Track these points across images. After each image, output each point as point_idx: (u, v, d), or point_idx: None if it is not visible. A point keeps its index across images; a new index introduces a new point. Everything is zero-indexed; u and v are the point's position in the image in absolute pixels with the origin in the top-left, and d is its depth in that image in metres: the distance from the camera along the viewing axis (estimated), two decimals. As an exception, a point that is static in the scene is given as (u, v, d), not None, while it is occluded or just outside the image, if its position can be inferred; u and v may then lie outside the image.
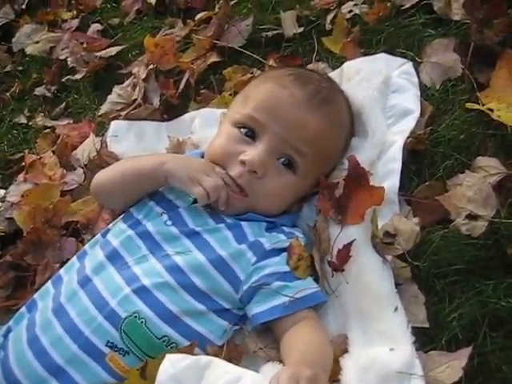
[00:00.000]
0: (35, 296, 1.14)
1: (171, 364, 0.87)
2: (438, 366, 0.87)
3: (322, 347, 0.94)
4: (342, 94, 1.18)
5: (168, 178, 1.09)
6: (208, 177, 1.05)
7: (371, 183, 1.06)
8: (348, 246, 1.01)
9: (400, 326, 0.92)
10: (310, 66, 1.33)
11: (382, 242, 1.00)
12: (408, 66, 1.24)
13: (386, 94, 1.20)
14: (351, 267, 1.00)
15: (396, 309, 0.93)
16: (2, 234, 1.37)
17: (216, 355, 0.94)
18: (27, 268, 1.29)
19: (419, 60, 1.24)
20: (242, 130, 1.09)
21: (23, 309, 1.14)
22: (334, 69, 1.32)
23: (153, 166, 1.12)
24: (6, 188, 1.52)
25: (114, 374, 0.98)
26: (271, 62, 1.39)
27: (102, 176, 1.22)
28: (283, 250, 1.05)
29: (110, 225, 1.17)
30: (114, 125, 1.46)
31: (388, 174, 1.09)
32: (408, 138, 1.11)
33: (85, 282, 1.05)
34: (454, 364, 0.86)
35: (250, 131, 1.08)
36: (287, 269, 1.02)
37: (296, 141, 1.06)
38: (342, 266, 1.00)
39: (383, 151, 1.12)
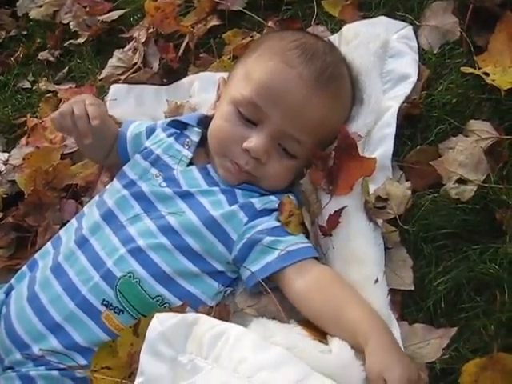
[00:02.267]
0: (36, 256, 1.17)
1: (160, 322, 0.89)
2: (420, 341, 0.88)
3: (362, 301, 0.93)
4: (345, 64, 1.15)
5: None
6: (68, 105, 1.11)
7: (365, 149, 1.07)
8: (338, 212, 1.01)
9: (379, 298, 0.93)
10: (309, 30, 1.32)
11: (374, 207, 1.01)
12: (407, 30, 1.22)
13: (383, 59, 1.19)
14: (339, 232, 1.01)
15: (376, 280, 0.94)
16: (5, 195, 1.40)
17: (207, 315, 0.96)
18: (28, 229, 1.33)
19: (418, 23, 1.22)
20: (242, 113, 1.07)
21: (24, 268, 1.18)
22: (332, 32, 1.31)
23: None
24: (9, 152, 1.55)
25: (109, 332, 1.01)
26: (270, 25, 1.37)
27: None
28: (274, 210, 1.06)
29: (108, 186, 1.19)
30: (114, 88, 1.47)
31: (382, 140, 1.08)
32: (403, 103, 1.10)
33: (82, 242, 1.08)
34: (436, 343, 0.87)
35: (250, 117, 1.07)
36: (278, 224, 1.03)
37: (297, 132, 1.05)
38: (331, 231, 1.01)
39: (378, 117, 1.11)
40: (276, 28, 1.37)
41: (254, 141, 1.04)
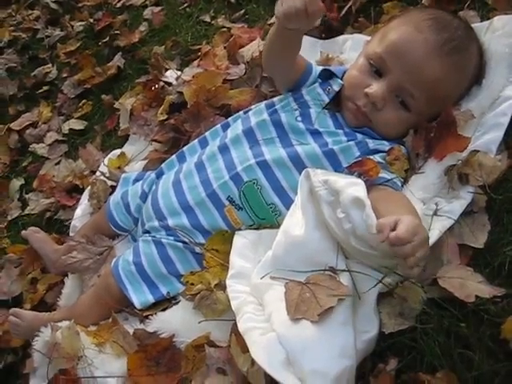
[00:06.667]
0: (184, 149, 1.44)
1: (242, 235, 1.16)
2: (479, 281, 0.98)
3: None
4: (477, 44, 1.25)
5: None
6: None
7: (477, 130, 1.16)
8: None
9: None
10: (460, 13, 1.40)
11: (462, 173, 1.11)
12: None
13: (519, 53, 1.25)
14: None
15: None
16: (172, 102, 1.68)
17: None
18: (184, 133, 1.59)
19: None
20: (371, 65, 1.24)
21: (174, 157, 1.45)
22: (482, 18, 1.38)
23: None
24: (181, 70, 1.84)
25: (227, 222, 1.24)
26: (425, 2, 1.48)
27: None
28: (384, 152, 1.21)
29: (253, 106, 1.40)
30: (278, 33, 1.67)
31: (495, 126, 1.16)
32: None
33: (223, 149, 1.31)
34: (490, 288, 0.95)
35: (377, 68, 1.23)
36: (382, 161, 1.18)
37: (412, 87, 1.18)
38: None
39: (497, 104, 1.19)
40: (430, 5, 1.46)
41: (374, 87, 1.20)
